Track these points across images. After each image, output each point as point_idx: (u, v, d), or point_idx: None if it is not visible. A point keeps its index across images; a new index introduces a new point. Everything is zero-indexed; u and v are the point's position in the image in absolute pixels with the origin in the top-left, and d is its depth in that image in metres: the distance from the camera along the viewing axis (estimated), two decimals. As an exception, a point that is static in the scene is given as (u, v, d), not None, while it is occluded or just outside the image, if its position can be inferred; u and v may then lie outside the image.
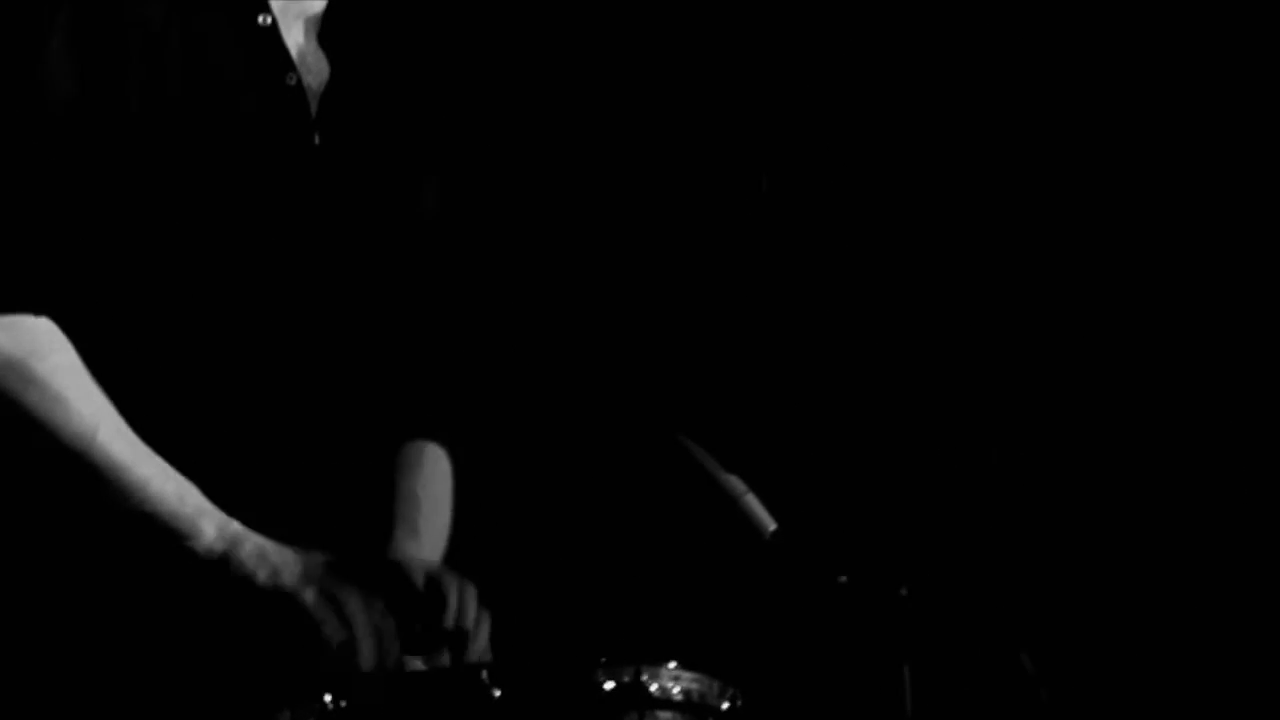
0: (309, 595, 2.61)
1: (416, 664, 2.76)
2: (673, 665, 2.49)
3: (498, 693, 2.43)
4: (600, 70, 4.19)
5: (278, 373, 2.81)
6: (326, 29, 2.85)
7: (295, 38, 2.82)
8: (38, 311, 2.66)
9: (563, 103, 4.17)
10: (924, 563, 2.92)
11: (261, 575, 2.62)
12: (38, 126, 2.72)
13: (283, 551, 2.64)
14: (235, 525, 2.64)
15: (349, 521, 2.87)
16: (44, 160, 2.72)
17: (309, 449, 2.83)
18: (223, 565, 2.63)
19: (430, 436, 3.02)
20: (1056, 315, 4.81)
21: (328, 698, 2.42)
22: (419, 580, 2.73)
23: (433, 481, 2.99)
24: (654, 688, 2.46)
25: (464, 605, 2.73)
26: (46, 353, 2.65)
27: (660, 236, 4.21)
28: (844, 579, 2.67)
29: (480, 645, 2.76)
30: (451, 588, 2.75)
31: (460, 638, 2.74)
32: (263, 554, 2.62)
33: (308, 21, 2.84)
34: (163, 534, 2.63)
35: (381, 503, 2.95)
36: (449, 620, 2.74)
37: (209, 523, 2.63)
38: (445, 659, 2.77)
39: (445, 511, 3.00)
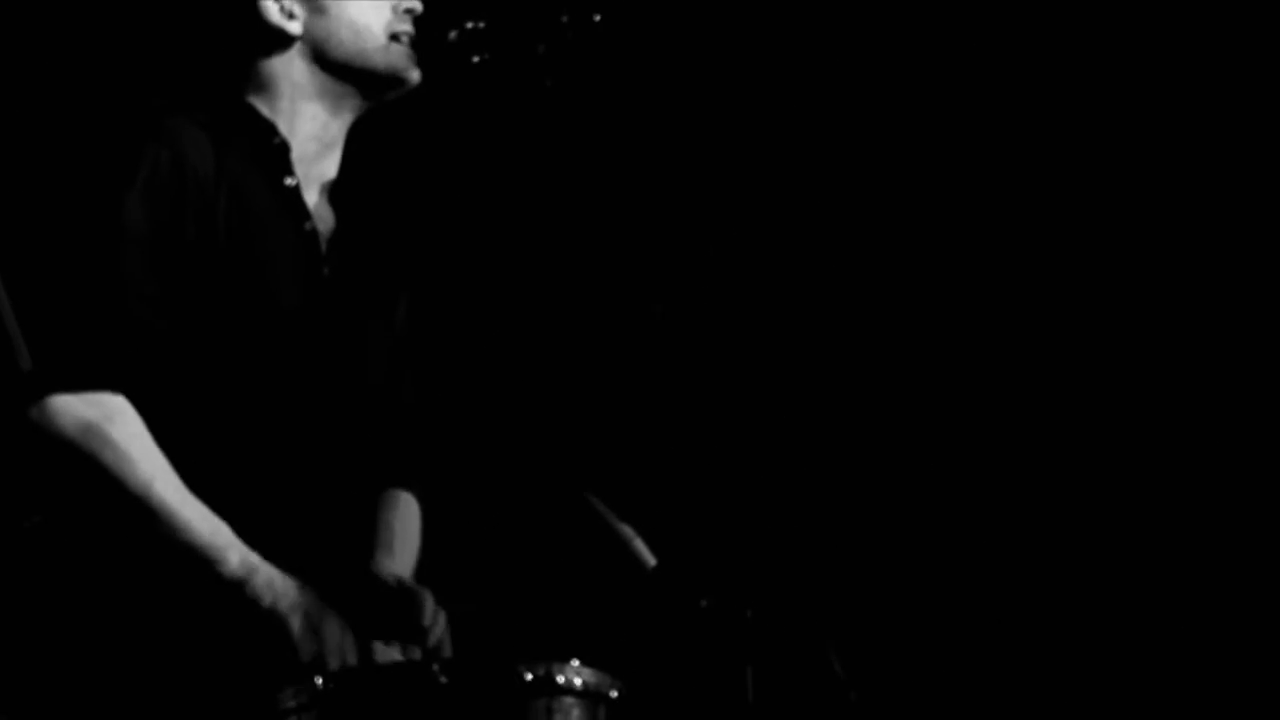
0: (295, 621, 2.90)
1: (392, 654, 3.02)
2: (575, 663, 2.75)
3: (445, 680, 2.69)
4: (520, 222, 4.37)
5: (295, 438, 3.07)
6: (334, 192, 3.18)
7: (311, 196, 3.14)
8: (115, 390, 2.94)
9: (491, 246, 4.37)
10: (763, 592, 3.06)
11: (266, 600, 2.90)
12: (119, 254, 2.96)
13: (286, 582, 2.92)
14: (254, 558, 2.93)
15: (346, 543, 3.15)
16: (123, 278, 2.95)
17: (318, 494, 3.11)
18: (240, 587, 2.91)
19: (405, 486, 3.30)
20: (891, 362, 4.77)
21: (319, 680, 2.72)
22: (395, 589, 3.01)
23: (406, 518, 3.27)
24: (560, 679, 2.72)
25: (431, 609, 3.03)
26: (121, 422, 2.92)
27: (568, 355, 4.39)
28: (705, 603, 2.98)
29: (437, 633, 3.04)
30: (422, 596, 3.03)
31: (422, 634, 3.01)
32: (270, 583, 2.91)
33: (321, 185, 3.16)
34: (199, 560, 2.92)
35: (369, 530, 3.23)
36: (425, 618, 3.01)
37: (234, 554, 2.92)
38: (413, 652, 3.03)
39: (414, 540, 3.26)
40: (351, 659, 2.92)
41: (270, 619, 2.90)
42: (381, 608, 3.02)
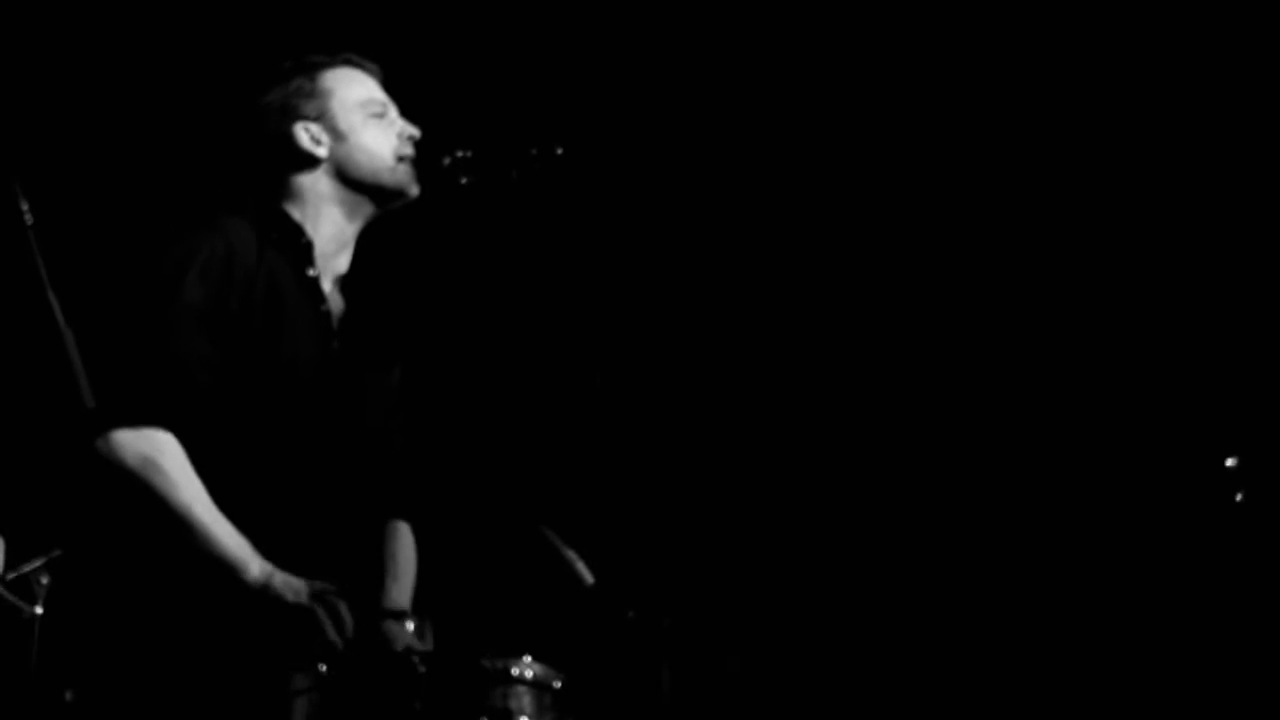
0: (318, 608, 3.03)
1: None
2: (528, 658, 2.93)
3: (423, 669, 2.87)
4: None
5: (307, 474, 3.22)
6: (345, 283, 3.36)
7: (327, 284, 3.32)
8: (167, 427, 3.11)
9: (469, 327, 4.50)
10: (678, 607, 3.16)
11: (289, 597, 3.04)
12: (178, 319, 3.12)
13: (299, 581, 3.06)
14: (269, 566, 3.07)
15: (355, 568, 3.26)
16: (179, 339, 3.12)
17: (324, 519, 3.24)
18: (262, 590, 3.05)
19: (404, 518, 3.45)
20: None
21: (322, 666, 2.88)
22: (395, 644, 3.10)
23: (406, 546, 3.42)
24: (515, 671, 2.90)
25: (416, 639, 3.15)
26: (169, 453, 3.09)
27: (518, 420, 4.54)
28: (631, 614, 3.13)
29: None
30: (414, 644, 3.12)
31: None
32: (288, 583, 3.06)
33: (335, 277, 3.35)
34: (226, 569, 3.06)
35: (378, 558, 3.36)
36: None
37: (254, 564, 3.07)
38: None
39: (413, 564, 3.40)
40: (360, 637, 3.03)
41: (297, 611, 3.01)
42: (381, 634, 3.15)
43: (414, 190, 3.32)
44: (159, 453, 3.06)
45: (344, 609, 3.03)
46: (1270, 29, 4.39)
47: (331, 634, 3.01)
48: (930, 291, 4.68)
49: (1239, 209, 4.46)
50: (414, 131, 3.34)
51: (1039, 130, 4.55)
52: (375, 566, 3.34)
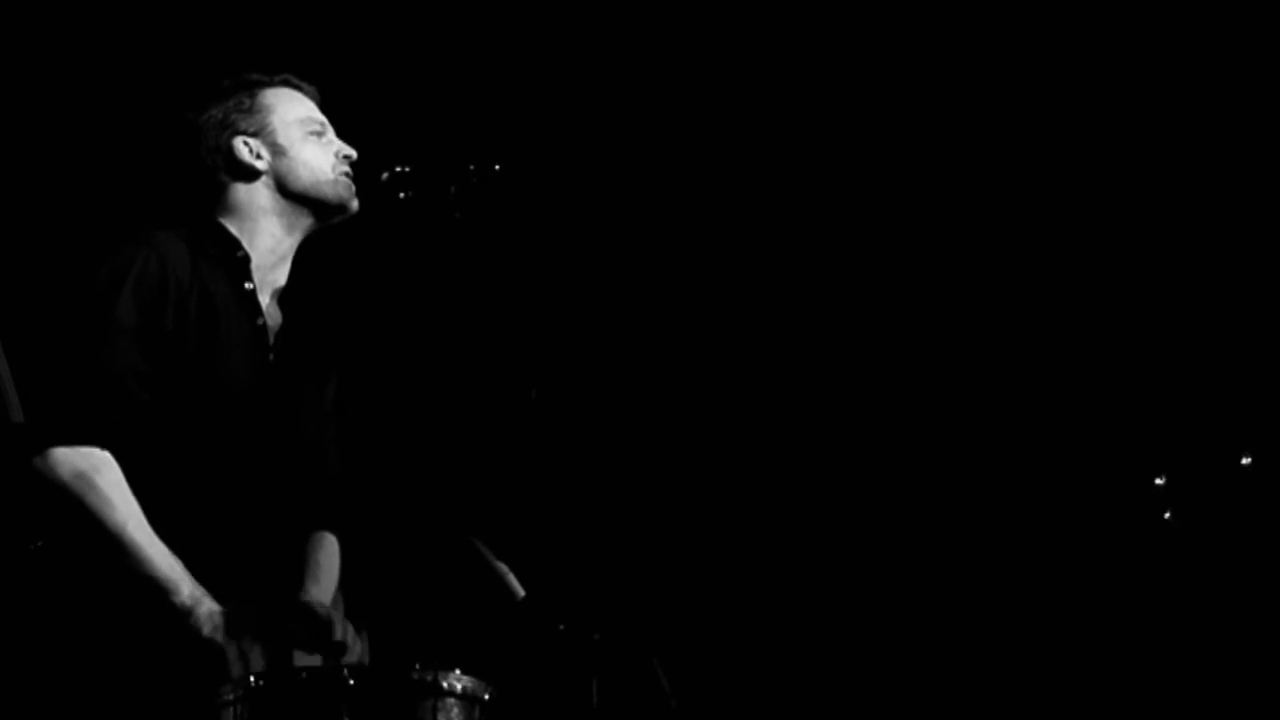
0: (229, 651, 2.96)
1: (311, 660, 3.07)
2: (457, 671, 2.84)
3: (352, 682, 2.78)
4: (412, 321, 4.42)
5: (242, 488, 3.14)
6: (283, 296, 3.28)
7: (264, 297, 3.24)
8: (101, 445, 3.03)
9: (405, 341, 4.44)
10: (607, 620, 3.11)
11: (205, 630, 2.97)
12: (112, 335, 3.04)
13: (222, 615, 2.97)
14: (199, 592, 2.99)
15: (280, 572, 3.22)
16: (114, 355, 3.04)
17: (259, 533, 3.17)
18: (186, 615, 2.97)
19: (328, 529, 3.37)
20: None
21: (252, 679, 2.81)
22: (320, 614, 3.08)
23: (329, 554, 3.31)
24: (445, 683, 2.81)
25: (344, 628, 3.11)
26: (104, 471, 3.01)
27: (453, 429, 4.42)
28: (562, 627, 3.08)
29: (356, 652, 3.11)
30: (336, 618, 3.12)
31: (340, 648, 3.09)
32: (210, 614, 2.98)
33: (273, 290, 3.27)
34: (157, 590, 2.98)
35: (301, 564, 3.27)
36: (336, 635, 3.08)
37: (185, 586, 2.99)
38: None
39: (335, 572, 3.30)
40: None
41: (209, 646, 2.95)
42: (306, 626, 3.09)
43: (354, 205, 3.28)
44: (95, 471, 2.98)
45: (256, 652, 2.96)
46: (1270, 29, 4.28)
47: (236, 674, 2.92)
48: (848, 296, 4.67)
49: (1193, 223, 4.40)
50: (350, 152, 3.31)
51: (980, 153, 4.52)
52: (297, 573, 3.24)
